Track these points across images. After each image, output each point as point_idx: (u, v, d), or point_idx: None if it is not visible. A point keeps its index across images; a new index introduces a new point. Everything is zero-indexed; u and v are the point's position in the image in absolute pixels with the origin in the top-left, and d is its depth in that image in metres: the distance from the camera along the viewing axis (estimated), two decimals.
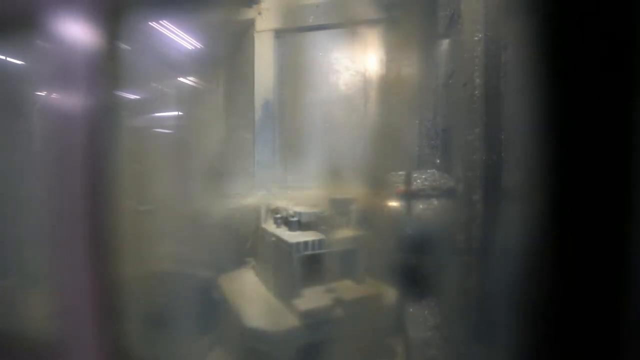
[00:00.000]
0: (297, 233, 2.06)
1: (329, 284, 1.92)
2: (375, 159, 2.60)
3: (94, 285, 1.13)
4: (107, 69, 1.15)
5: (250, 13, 2.72)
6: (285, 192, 2.33)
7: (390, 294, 1.89)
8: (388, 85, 2.52)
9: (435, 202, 1.91)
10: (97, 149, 1.13)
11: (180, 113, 2.00)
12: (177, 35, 2.37)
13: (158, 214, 1.64)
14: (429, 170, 2.05)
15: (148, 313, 1.36)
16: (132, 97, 1.83)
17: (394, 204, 2.08)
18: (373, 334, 1.72)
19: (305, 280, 1.95)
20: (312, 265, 1.94)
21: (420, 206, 1.86)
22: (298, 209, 2.12)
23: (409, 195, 1.94)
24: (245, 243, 1.89)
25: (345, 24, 2.62)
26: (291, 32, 2.73)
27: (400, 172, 2.11)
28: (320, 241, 1.98)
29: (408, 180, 1.95)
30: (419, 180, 1.96)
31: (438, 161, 2.08)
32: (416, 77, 1.82)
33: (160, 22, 2.32)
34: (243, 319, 1.77)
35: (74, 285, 1.13)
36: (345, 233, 2.00)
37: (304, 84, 2.55)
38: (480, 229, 1.49)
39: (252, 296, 1.85)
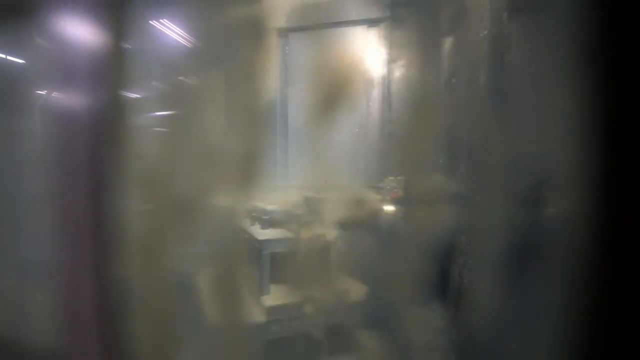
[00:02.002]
0: (268, 231, 2.12)
1: (297, 281, 1.93)
2: (375, 160, 2.59)
3: (98, 287, 1.12)
4: (110, 67, 1.14)
5: (253, 12, 2.71)
6: (283, 191, 2.33)
7: (359, 292, 1.96)
8: (391, 84, 2.50)
9: (435, 205, 1.89)
10: (101, 148, 1.12)
11: (180, 113, 1.99)
12: (179, 35, 2.36)
13: (157, 213, 1.64)
14: (430, 172, 2.03)
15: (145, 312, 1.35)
16: (135, 96, 1.82)
17: (389, 207, 2.08)
18: (339, 331, 1.76)
19: (273, 278, 2.03)
20: (280, 263, 2.00)
21: (418, 210, 1.85)
22: (271, 207, 2.16)
23: (406, 200, 1.93)
24: (226, 242, 1.91)
25: (349, 23, 2.61)
26: (295, 31, 2.72)
27: (399, 177, 2.11)
28: (288, 239, 2.02)
29: (407, 184, 1.94)
30: (418, 183, 1.95)
31: (441, 161, 2.06)
32: (419, 75, 1.80)
33: (163, 20, 2.32)
34: (211, 315, 1.79)
35: (77, 286, 1.12)
36: (316, 231, 2.02)
37: (307, 83, 2.54)
38: (485, 233, 1.46)
39: (224, 292, 1.87)
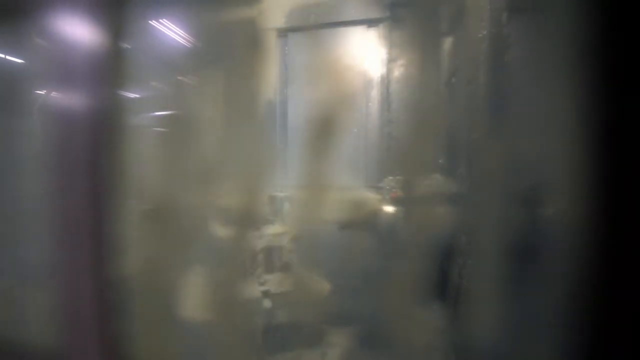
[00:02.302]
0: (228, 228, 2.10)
1: (258, 276, 1.96)
2: (374, 160, 2.59)
3: (97, 287, 1.12)
4: (109, 67, 1.13)
5: (251, 12, 2.71)
6: (283, 191, 2.33)
7: (318, 289, 1.97)
8: (390, 84, 2.50)
9: (435, 205, 1.90)
10: (99, 148, 1.12)
11: (180, 112, 1.99)
12: (178, 35, 2.36)
13: (153, 213, 1.64)
14: (429, 172, 2.03)
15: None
16: (134, 95, 1.82)
17: (388, 207, 2.09)
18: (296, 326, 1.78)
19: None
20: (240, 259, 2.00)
21: (417, 210, 1.85)
22: (236, 205, 2.17)
23: (405, 200, 1.93)
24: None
25: (348, 23, 2.61)
26: (293, 31, 2.72)
27: (399, 177, 2.11)
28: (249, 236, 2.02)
29: (407, 184, 1.94)
30: (419, 184, 1.95)
31: (440, 161, 2.06)
32: (419, 76, 1.80)
33: (162, 20, 2.31)
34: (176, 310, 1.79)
35: (76, 286, 1.12)
36: (277, 230, 2.07)
37: (307, 83, 2.53)
38: (485, 233, 1.46)
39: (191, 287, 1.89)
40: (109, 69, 1.13)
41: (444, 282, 1.71)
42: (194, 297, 1.75)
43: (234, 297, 1.80)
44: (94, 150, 1.11)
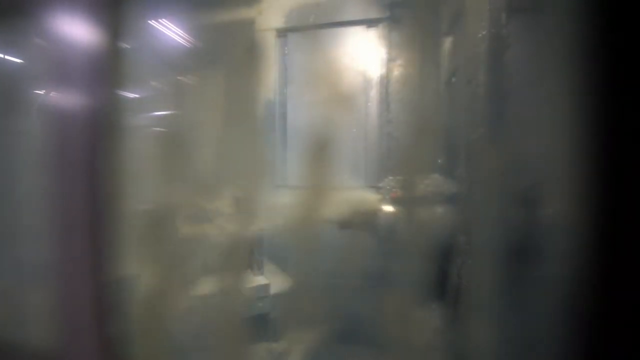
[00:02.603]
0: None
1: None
2: (373, 160, 2.59)
3: (95, 288, 1.11)
4: (108, 66, 1.13)
5: (251, 12, 2.71)
6: (280, 191, 2.33)
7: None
8: (389, 84, 2.50)
9: (434, 205, 1.90)
10: (98, 148, 1.12)
11: (179, 112, 1.98)
12: (177, 35, 2.36)
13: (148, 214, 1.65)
14: (429, 173, 2.03)
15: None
16: (133, 95, 1.82)
17: (388, 207, 2.09)
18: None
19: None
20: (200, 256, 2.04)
21: (417, 210, 1.85)
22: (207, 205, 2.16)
23: (405, 200, 1.93)
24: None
25: (347, 23, 2.61)
26: (293, 32, 2.71)
27: (398, 177, 2.10)
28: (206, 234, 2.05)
29: (406, 184, 1.93)
30: (418, 184, 1.95)
31: (440, 161, 2.06)
32: (418, 75, 1.80)
33: (162, 20, 2.31)
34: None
35: (73, 287, 1.12)
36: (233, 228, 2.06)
37: (306, 83, 2.53)
38: (484, 232, 1.46)
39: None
40: (108, 68, 1.13)
41: (443, 281, 1.71)
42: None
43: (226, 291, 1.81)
44: (92, 150, 1.11)
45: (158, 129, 1.92)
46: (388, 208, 2.11)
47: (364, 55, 2.58)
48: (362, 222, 2.15)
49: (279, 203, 2.12)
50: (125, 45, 1.22)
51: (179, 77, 2.13)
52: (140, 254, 1.63)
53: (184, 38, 2.35)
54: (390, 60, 2.52)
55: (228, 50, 2.05)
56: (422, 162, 1.75)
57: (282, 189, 2.48)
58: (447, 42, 2.15)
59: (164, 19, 2.32)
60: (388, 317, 1.65)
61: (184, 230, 1.85)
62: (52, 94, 1.16)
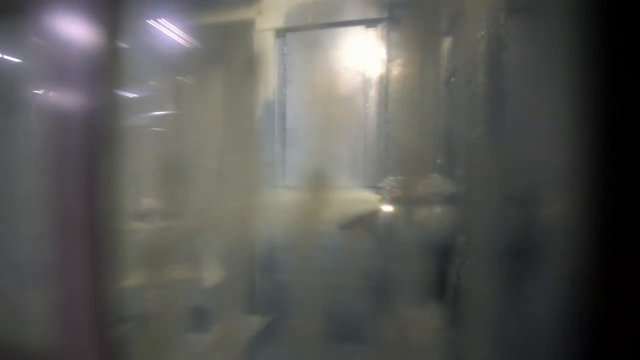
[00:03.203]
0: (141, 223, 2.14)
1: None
2: (373, 160, 2.59)
3: (94, 288, 1.11)
4: (107, 66, 1.13)
5: (250, 12, 2.70)
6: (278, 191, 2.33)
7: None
8: (388, 85, 2.50)
9: (433, 205, 1.90)
10: (97, 148, 1.11)
11: (179, 112, 1.98)
12: (176, 35, 2.35)
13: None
14: (428, 172, 2.04)
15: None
16: (132, 95, 1.82)
17: (389, 208, 2.09)
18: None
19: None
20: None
21: (416, 210, 1.85)
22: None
23: (405, 200, 1.93)
24: None
25: (347, 23, 2.61)
26: (292, 32, 2.71)
27: (398, 177, 2.11)
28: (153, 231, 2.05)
29: (406, 184, 1.94)
30: (418, 184, 1.96)
31: (439, 161, 2.06)
32: (417, 76, 1.80)
33: (161, 20, 2.31)
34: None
35: (72, 288, 1.11)
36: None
37: (305, 83, 2.53)
38: (484, 232, 1.46)
39: None
40: (106, 68, 1.12)
41: (442, 281, 1.71)
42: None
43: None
44: (91, 149, 1.11)
45: (157, 128, 1.92)
46: (388, 208, 2.11)
47: (363, 55, 2.58)
48: (361, 222, 2.15)
49: (278, 203, 2.12)
50: (124, 45, 1.21)
51: (177, 77, 2.13)
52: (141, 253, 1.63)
53: (183, 38, 2.34)
54: (389, 60, 2.52)
55: (227, 50, 2.05)
56: (422, 162, 1.76)
57: (282, 189, 2.49)
58: (446, 43, 2.15)
59: (163, 19, 2.31)
60: (388, 316, 1.65)
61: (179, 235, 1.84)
62: (51, 93, 1.16)
